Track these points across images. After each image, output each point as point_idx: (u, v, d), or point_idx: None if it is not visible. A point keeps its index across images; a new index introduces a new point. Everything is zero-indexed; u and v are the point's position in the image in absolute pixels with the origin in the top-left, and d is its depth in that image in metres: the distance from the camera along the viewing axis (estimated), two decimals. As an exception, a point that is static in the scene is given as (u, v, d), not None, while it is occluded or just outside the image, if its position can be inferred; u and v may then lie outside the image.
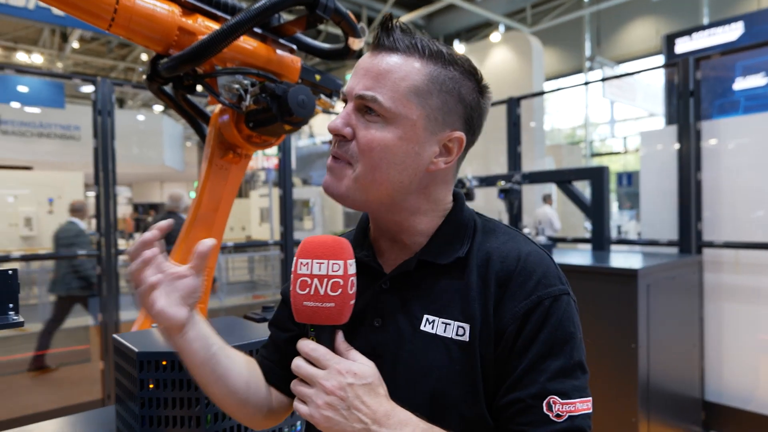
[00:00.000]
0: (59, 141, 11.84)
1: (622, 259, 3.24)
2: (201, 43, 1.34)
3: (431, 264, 0.76)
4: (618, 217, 12.82)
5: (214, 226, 1.65)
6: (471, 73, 0.75)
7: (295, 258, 0.70)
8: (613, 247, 4.10)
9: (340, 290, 0.67)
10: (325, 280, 0.67)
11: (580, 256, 3.47)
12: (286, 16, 1.59)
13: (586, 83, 11.55)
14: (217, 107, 1.62)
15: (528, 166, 7.64)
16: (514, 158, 4.75)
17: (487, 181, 4.72)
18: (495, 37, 11.26)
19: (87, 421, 1.36)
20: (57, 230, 5.02)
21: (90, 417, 1.38)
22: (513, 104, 4.67)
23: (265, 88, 1.42)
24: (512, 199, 4.24)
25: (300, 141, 16.19)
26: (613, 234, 8.56)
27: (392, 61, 0.72)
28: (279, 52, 1.59)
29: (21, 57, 14.58)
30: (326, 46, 1.68)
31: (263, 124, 1.51)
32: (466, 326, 0.72)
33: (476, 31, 14.96)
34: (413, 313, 0.75)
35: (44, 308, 6.91)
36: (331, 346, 0.69)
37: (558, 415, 0.68)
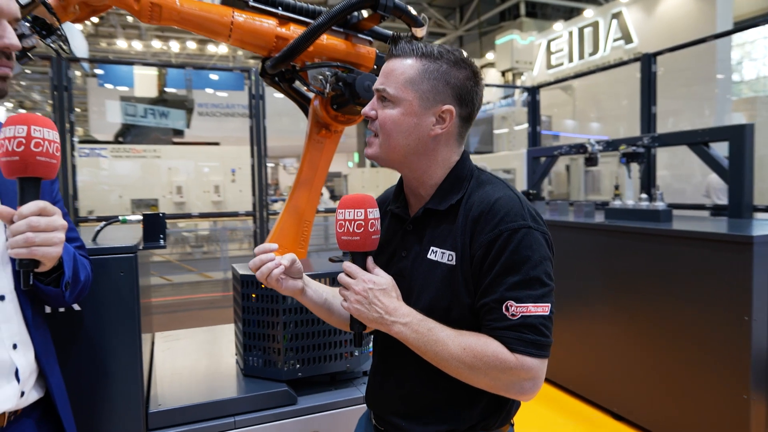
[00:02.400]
0: (240, 119, 13.73)
1: (744, 227, 3.02)
2: (290, 46, 1.74)
3: (435, 210, 1.08)
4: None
5: (312, 188, 2.08)
6: (459, 64, 1.05)
7: (336, 209, 1.06)
8: (761, 216, 3.74)
9: (362, 229, 1.01)
10: (353, 222, 1.02)
11: (697, 223, 3.29)
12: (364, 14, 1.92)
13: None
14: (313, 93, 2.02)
15: (709, 123, 6.89)
16: (648, 119, 4.49)
17: (613, 145, 4.56)
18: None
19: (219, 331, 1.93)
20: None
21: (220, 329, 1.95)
22: (647, 61, 4.40)
23: (339, 77, 1.79)
24: (639, 162, 4.06)
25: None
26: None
27: (396, 63, 1.06)
28: (358, 45, 1.93)
29: (212, 48, 16.95)
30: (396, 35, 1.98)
31: (342, 106, 1.88)
32: (453, 254, 1.03)
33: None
34: (423, 246, 1.08)
35: (225, 261, 8.28)
36: (363, 266, 1.04)
37: (513, 315, 0.96)
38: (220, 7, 1.75)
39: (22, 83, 19.58)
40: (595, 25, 11.90)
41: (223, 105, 14.53)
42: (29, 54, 1.49)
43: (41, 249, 0.89)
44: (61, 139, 3.96)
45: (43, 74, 15.31)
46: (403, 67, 1.05)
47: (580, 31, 12.30)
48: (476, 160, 13.52)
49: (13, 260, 0.95)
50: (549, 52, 13.42)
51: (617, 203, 4.03)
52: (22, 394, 0.98)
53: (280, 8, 1.82)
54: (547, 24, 14.36)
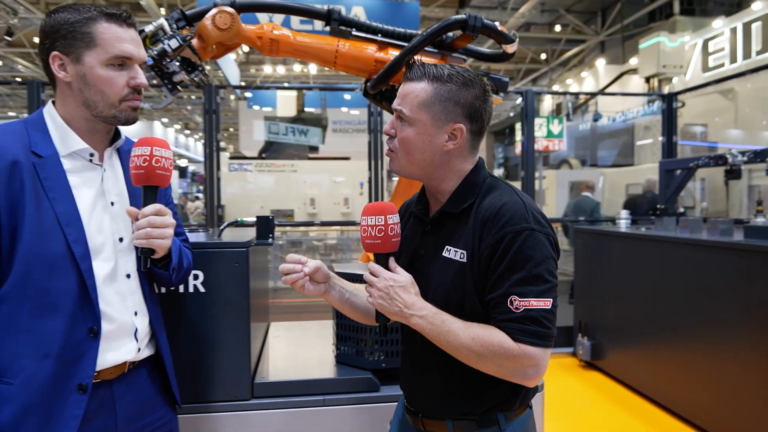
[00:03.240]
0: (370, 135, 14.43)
1: None
2: (386, 68, 1.93)
3: (450, 213, 1.20)
4: None
5: (408, 197, 2.26)
6: (468, 84, 1.16)
7: (360, 216, 1.21)
8: None
9: (383, 233, 1.15)
10: (375, 227, 1.16)
11: None
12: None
13: None
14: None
15: None
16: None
17: (762, 156, 4.12)
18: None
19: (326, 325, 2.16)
20: (573, 201, 6.74)
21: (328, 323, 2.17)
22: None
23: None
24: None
25: (577, 121, 15.60)
26: None
27: (411, 86, 1.18)
28: (451, 63, 2.07)
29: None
30: (488, 51, 2.08)
31: (434, 120, 2.03)
32: (464, 252, 1.15)
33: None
34: (439, 245, 1.21)
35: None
36: (385, 265, 1.18)
37: (516, 308, 1.07)
38: (327, 37, 2.01)
39: (188, 107, 22.57)
40: (765, 19, 10.49)
41: (354, 122, 15.40)
42: (179, 87, 1.86)
43: (156, 240, 1.15)
44: (210, 157, 4.62)
45: (201, 99, 17.53)
46: (417, 90, 1.16)
47: (746, 26, 10.92)
48: (612, 173, 12.60)
49: (135, 248, 1.22)
50: (706, 53, 12.16)
51: (760, 220, 3.64)
52: (139, 350, 1.26)
53: (379, 35, 2.03)
54: (705, 21, 13.04)
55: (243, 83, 15.01)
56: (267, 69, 17.39)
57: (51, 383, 1.10)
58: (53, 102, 1.23)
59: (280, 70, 17.39)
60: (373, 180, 4.37)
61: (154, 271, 1.28)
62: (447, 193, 1.22)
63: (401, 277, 1.15)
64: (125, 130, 1.33)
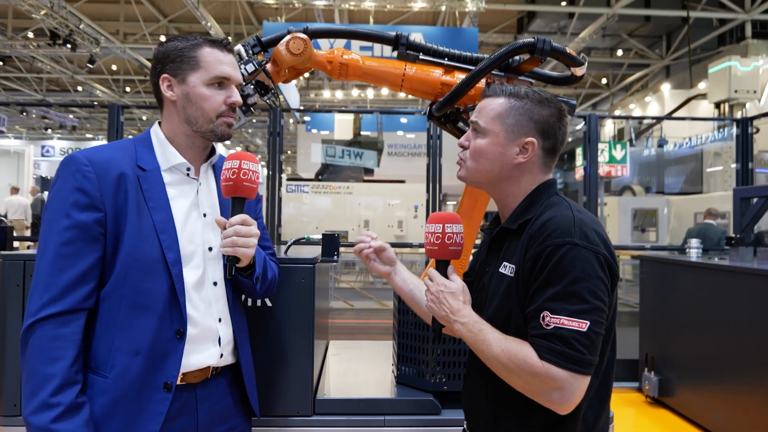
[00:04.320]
0: (425, 158, 14.50)
1: None
2: (452, 91, 1.94)
3: (508, 229, 1.21)
4: None
5: (471, 220, 2.23)
6: (544, 102, 1.20)
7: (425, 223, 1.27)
8: None
9: (440, 240, 1.20)
10: (434, 235, 1.21)
11: None
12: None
13: None
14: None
15: None
16: None
17: None
18: None
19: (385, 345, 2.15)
20: (695, 229, 6.82)
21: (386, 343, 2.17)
22: None
23: (496, 117, 1.93)
24: None
25: (641, 146, 15.05)
26: None
27: (488, 102, 1.23)
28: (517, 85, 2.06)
29: (402, 93, 18.29)
30: (556, 74, 2.05)
31: (500, 143, 2.02)
32: (514, 266, 1.15)
33: None
34: (499, 261, 1.21)
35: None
36: (444, 273, 1.21)
37: (547, 324, 1.04)
38: (394, 61, 2.05)
39: (249, 131, 23.52)
40: None
41: (410, 145, 15.55)
42: (252, 108, 1.95)
43: (241, 249, 1.23)
44: (273, 177, 4.78)
45: (264, 122, 18.18)
46: (494, 104, 1.22)
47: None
48: (679, 201, 12.01)
49: (222, 257, 1.30)
50: (781, 78, 11.54)
51: None
52: (221, 356, 1.31)
53: (446, 59, 2.06)
54: (782, 44, 12.39)
55: (302, 107, 15.50)
56: (326, 94, 17.90)
57: (140, 379, 1.17)
58: (159, 123, 1.35)
59: (339, 94, 17.86)
60: (430, 202, 4.37)
61: (239, 279, 1.34)
62: (511, 210, 1.24)
63: (453, 284, 1.18)
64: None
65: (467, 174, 1.25)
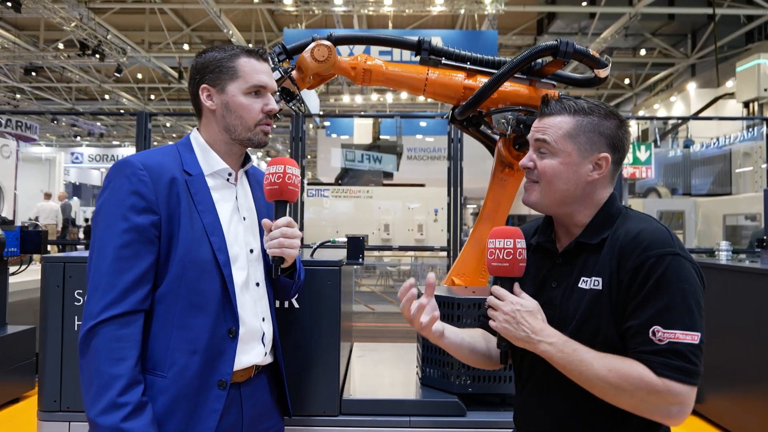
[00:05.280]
0: (445, 162, 14.47)
1: None
2: (475, 95, 1.96)
3: (586, 244, 1.17)
4: None
5: (494, 222, 2.24)
6: (609, 115, 1.18)
7: (488, 239, 1.21)
8: None
9: (511, 256, 1.15)
10: (503, 251, 1.15)
11: None
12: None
13: None
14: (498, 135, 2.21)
15: None
16: None
17: None
18: None
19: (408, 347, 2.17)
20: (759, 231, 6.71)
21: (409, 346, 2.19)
22: None
23: (519, 120, 1.94)
24: None
25: (666, 148, 14.78)
26: None
27: (551, 120, 1.19)
28: (540, 89, 2.07)
29: (421, 98, 18.33)
30: (579, 76, 2.05)
31: (523, 146, 2.02)
32: (600, 279, 1.11)
33: None
34: (574, 277, 1.16)
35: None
36: (510, 290, 1.16)
37: (660, 340, 1.01)
38: (417, 66, 2.08)
39: (270, 136, 23.76)
40: None
41: (429, 149, 15.52)
42: (278, 115, 1.99)
43: (287, 250, 1.27)
44: (296, 180, 4.82)
45: (285, 128, 18.38)
46: (558, 122, 1.18)
47: None
48: (707, 203, 11.76)
49: (264, 258, 1.34)
50: (816, 75, 11.21)
51: None
52: (265, 354, 1.36)
53: (468, 63, 2.07)
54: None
55: (321, 112, 15.64)
56: (345, 99, 18.03)
57: (198, 377, 1.21)
58: (197, 129, 1.39)
59: (358, 99, 17.97)
60: (451, 206, 4.38)
61: (281, 279, 1.39)
62: (581, 225, 1.20)
63: (528, 302, 1.13)
64: None
65: (540, 198, 1.20)
